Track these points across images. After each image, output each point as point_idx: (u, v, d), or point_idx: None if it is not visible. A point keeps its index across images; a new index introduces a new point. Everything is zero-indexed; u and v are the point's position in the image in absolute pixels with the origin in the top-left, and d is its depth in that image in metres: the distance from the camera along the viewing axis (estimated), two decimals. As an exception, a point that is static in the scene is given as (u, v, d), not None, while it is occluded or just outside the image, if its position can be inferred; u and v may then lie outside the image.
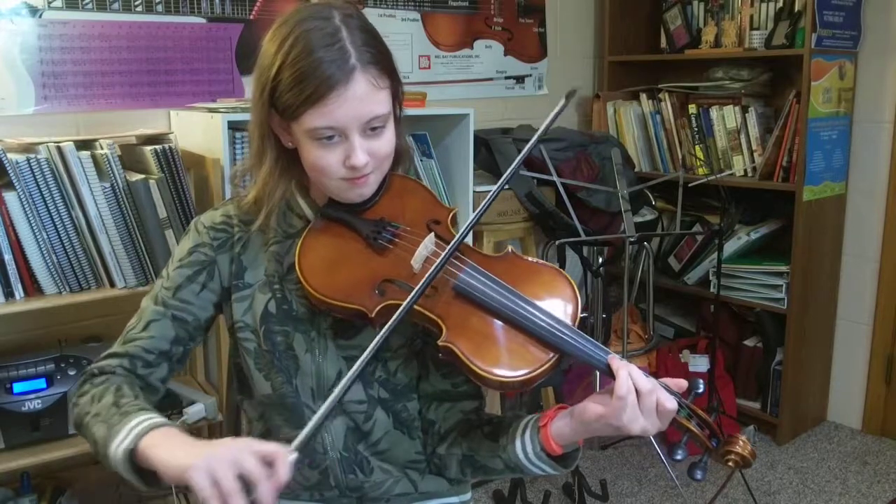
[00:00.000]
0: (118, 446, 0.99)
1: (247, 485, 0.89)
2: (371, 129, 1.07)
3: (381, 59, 1.07)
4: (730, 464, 1.05)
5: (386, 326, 1.01)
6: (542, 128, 1.13)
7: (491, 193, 1.11)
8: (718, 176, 2.86)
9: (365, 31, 1.07)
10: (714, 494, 2.68)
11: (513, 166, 1.12)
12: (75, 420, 1.11)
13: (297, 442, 0.95)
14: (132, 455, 0.97)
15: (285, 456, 0.92)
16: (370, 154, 1.08)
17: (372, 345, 1.00)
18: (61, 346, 1.98)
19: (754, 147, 2.97)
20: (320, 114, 1.03)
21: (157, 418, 1.01)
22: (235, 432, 1.53)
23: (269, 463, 0.91)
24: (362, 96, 1.04)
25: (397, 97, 1.13)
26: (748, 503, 2.64)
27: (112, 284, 1.91)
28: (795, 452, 3.00)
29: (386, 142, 1.10)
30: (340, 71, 1.02)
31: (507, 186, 2.77)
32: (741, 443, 1.04)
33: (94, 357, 1.89)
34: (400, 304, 1.05)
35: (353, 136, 1.06)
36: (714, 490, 2.71)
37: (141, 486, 1.00)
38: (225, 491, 0.88)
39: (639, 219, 2.86)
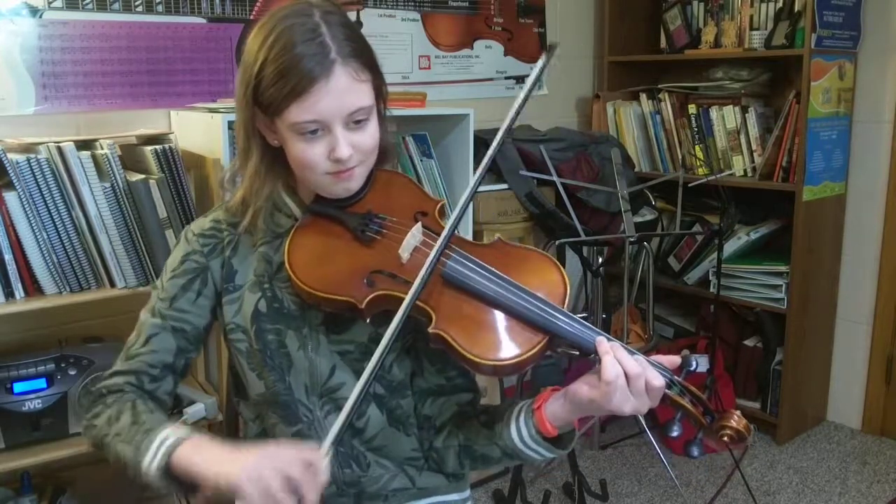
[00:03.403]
0: (150, 464, 1.02)
1: (291, 489, 0.93)
2: (354, 122, 1.08)
3: (362, 53, 1.08)
4: (724, 439, 1.05)
5: (394, 322, 1.02)
6: (529, 80, 1.10)
7: (485, 160, 1.11)
8: (718, 176, 2.86)
9: (345, 27, 1.08)
10: (714, 494, 2.68)
11: (503, 127, 1.11)
12: (93, 441, 1.13)
13: (328, 441, 1.00)
14: (167, 469, 1.01)
15: (322, 458, 0.97)
16: (354, 147, 1.09)
17: (389, 332, 1.02)
18: (61, 346, 1.98)
19: (754, 147, 2.97)
20: (303, 108, 1.05)
21: (180, 432, 1.04)
22: (234, 433, 1.53)
23: (308, 466, 0.95)
24: (344, 89, 1.05)
25: (380, 93, 1.14)
26: (748, 503, 2.64)
27: (112, 284, 1.91)
28: (795, 452, 3.00)
29: (370, 135, 1.11)
30: (321, 65, 1.04)
31: (507, 186, 2.78)
32: (735, 418, 1.04)
33: (94, 357, 1.91)
34: (389, 295, 1.07)
35: (336, 129, 1.07)
36: (714, 490, 2.71)
37: (182, 494, 1.05)
38: (276, 499, 0.92)
39: (639, 219, 2.86)
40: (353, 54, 1.06)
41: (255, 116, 1.11)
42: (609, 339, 1.03)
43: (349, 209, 1.16)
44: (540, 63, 1.11)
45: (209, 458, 0.99)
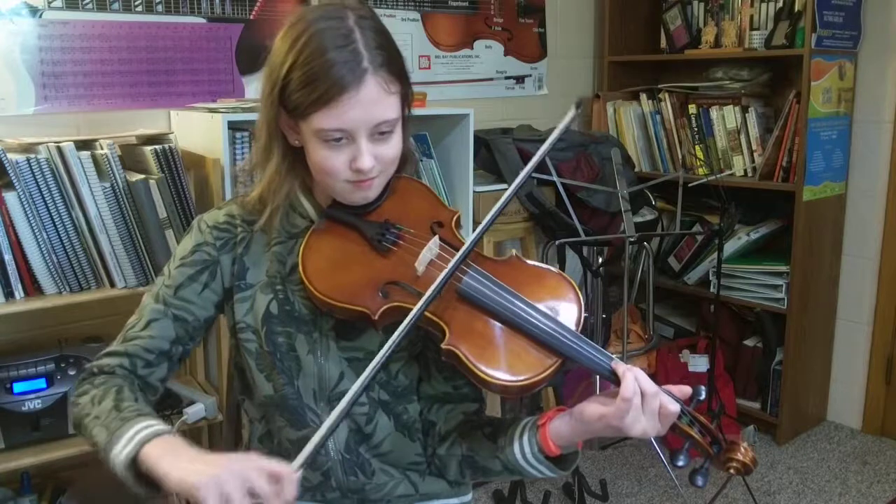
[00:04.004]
0: (120, 452, 0.99)
1: (253, 502, 0.90)
2: (379, 133, 1.07)
3: (393, 63, 1.06)
4: (731, 470, 1.05)
5: (392, 338, 1.01)
6: (552, 136, 1.11)
7: (500, 202, 1.11)
8: (718, 176, 2.86)
9: (378, 33, 1.06)
10: (714, 495, 2.68)
11: (525, 171, 1.11)
12: (74, 419, 1.11)
13: (301, 459, 0.96)
14: (134, 462, 0.98)
15: (291, 474, 0.92)
16: (377, 158, 1.08)
17: (379, 355, 1.00)
18: (61, 346, 1.98)
19: (754, 147, 2.97)
20: (330, 115, 1.03)
21: (157, 426, 1.01)
22: (236, 432, 1.53)
23: (275, 480, 0.91)
24: (373, 100, 1.03)
25: (406, 101, 1.12)
26: (748, 503, 2.64)
27: (112, 284, 1.91)
28: (795, 452, 3.00)
29: (393, 146, 1.10)
30: (352, 74, 1.02)
31: (506, 186, 2.77)
32: (742, 450, 1.04)
33: (94, 357, 1.90)
34: (403, 306, 1.06)
35: (360, 140, 1.05)
36: (714, 490, 2.71)
37: (141, 491, 1.01)
38: None
39: (639, 219, 2.86)
40: (384, 64, 1.04)
41: (279, 116, 1.10)
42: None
43: (366, 217, 1.15)
44: (568, 117, 1.11)
45: (177, 459, 0.96)
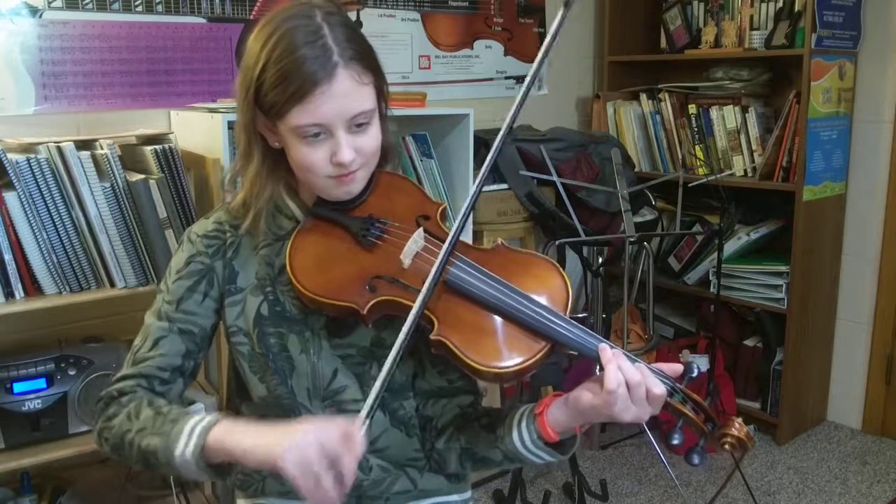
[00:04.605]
0: (185, 447, 1.01)
1: (330, 462, 0.94)
2: (357, 125, 1.08)
3: (364, 55, 1.08)
4: (726, 447, 1.05)
5: (405, 328, 1.02)
6: (547, 40, 1.08)
7: (491, 152, 1.10)
8: (718, 176, 2.86)
9: (347, 28, 1.08)
10: (714, 494, 2.68)
11: (521, 93, 1.08)
12: (113, 442, 1.10)
13: (364, 412, 1.00)
14: (202, 452, 1.00)
15: (358, 430, 0.97)
16: (356, 150, 1.09)
17: (398, 342, 1.02)
18: (61, 346, 1.98)
19: (754, 147, 2.97)
20: (305, 111, 1.04)
21: (208, 416, 1.04)
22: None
23: (345, 438, 0.96)
24: (346, 92, 1.05)
25: (382, 94, 1.13)
26: (748, 503, 2.64)
27: (112, 284, 1.91)
28: (795, 452, 3.00)
29: (372, 138, 1.11)
30: (323, 68, 1.03)
31: (506, 186, 2.78)
32: (737, 425, 1.04)
33: (94, 357, 1.92)
34: (391, 300, 1.07)
35: (338, 133, 1.06)
36: (714, 490, 2.71)
37: (215, 479, 1.04)
38: (316, 474, 0.93)
39: (639, 219, 2.86)
40: (355, 57, 1.06)
41: (257, 118, 1.11)
42: (611, 347, 1.03)
43: (351, 213, 1.16)
44: (559, 16, 1.08)
45: (246, 436, 0.99)
